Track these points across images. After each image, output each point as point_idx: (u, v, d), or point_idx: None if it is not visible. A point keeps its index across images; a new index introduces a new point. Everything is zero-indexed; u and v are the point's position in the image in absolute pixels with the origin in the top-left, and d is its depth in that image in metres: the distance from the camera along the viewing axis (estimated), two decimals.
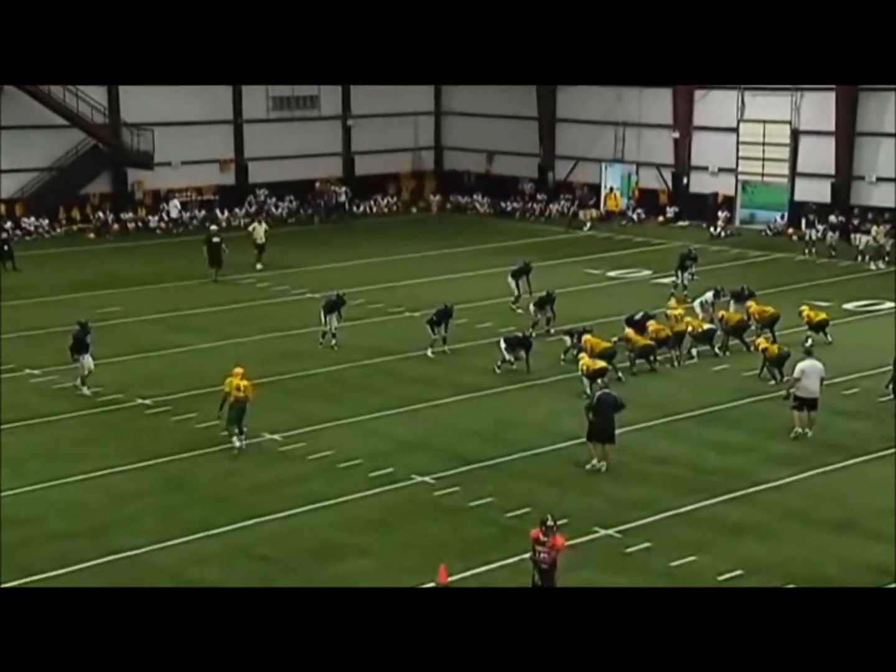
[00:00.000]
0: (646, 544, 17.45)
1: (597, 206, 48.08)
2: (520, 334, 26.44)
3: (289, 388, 25.10)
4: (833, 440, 21.71)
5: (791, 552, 17.24)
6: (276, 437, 21.98)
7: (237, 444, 21.04)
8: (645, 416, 22.67)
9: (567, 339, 26.56)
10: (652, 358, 26.06)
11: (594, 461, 20.17)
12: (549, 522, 14.70)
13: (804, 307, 28.58)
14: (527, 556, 15.13)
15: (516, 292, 31.69)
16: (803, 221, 41.50)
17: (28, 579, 16.25)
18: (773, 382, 24.69)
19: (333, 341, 27.83)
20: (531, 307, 29.40)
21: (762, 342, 25.72)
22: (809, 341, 25.91)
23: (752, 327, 27.83)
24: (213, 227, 39.45)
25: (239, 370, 21.38)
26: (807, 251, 39.90)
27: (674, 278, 33.39)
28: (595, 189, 48.87)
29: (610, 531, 17.90)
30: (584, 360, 24.16)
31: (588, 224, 46.03)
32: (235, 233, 41.87)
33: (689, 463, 20.75)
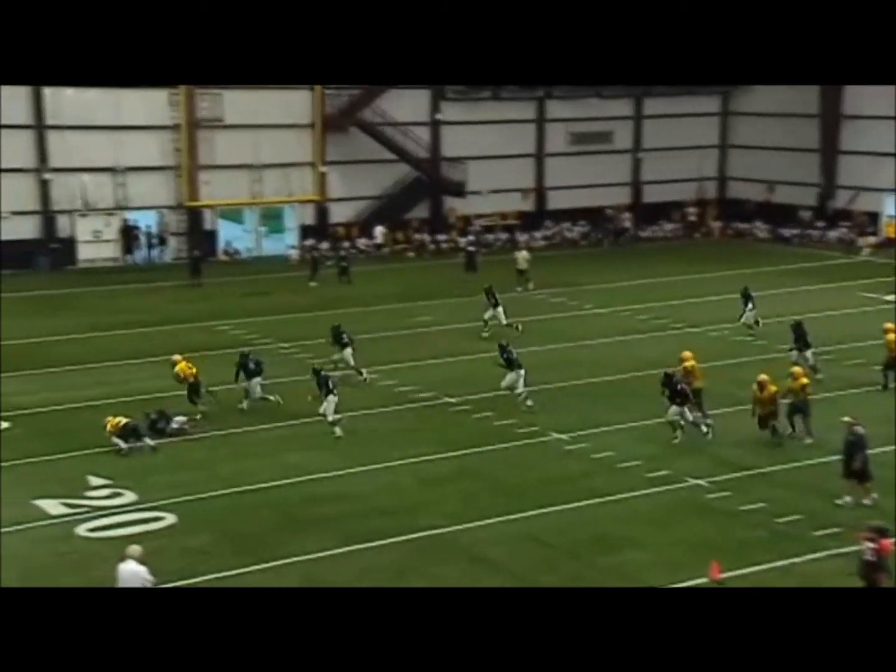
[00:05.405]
0: None
1: (875, 233, 45.29)
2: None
3: (576, 392, 25.10)
4: None
5: None
6: (562, 436, 22.10)
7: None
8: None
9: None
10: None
11: (847, 498, 18.31)
12: (875, 526, 14.31)
13: None
14: (798, 559, 14.70)
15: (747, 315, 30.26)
16: None
17: (346, 549, 17.05)
18: None
19: None
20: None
21: None
22: None
23: None
24: (470, 237, 43.72)
25: None
26: None
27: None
28: (874, 217, 46.10)
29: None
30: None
31: (867, 250, 43.48)
32: (535, 253, 42.43)
33: None
